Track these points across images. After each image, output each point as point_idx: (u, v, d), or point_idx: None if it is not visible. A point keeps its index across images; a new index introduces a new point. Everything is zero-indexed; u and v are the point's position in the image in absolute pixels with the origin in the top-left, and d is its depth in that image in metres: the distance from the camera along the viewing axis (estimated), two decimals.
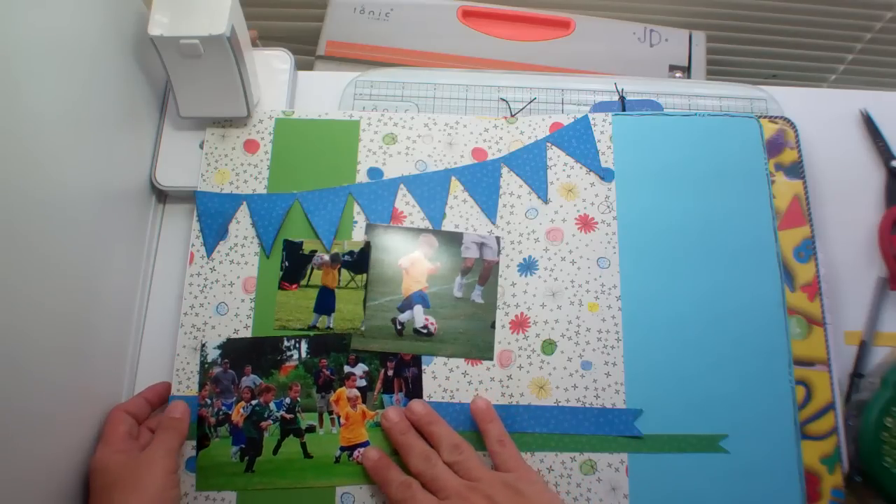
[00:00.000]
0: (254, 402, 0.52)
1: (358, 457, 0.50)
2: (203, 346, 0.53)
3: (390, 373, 0.52)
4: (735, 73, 1.03)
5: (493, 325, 0.53)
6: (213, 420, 0.51)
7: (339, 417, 0.52)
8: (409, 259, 0.55)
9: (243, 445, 0.51)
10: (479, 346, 0.53)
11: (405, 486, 0.47)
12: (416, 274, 0.55)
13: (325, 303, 0.54)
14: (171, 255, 0.58)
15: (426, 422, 0.50)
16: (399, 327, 0.53)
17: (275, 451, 0.51)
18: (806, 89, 0.67)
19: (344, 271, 0.54)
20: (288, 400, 0.52)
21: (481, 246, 0.55)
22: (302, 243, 0.55)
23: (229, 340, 0.53)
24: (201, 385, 0.52)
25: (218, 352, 0.53)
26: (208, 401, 0.51)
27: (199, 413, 0.51)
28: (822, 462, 0.51)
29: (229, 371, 0.52)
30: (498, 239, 0.55)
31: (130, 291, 0.55)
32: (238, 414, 0.51)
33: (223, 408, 0.51)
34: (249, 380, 0.52)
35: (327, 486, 0.50)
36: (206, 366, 0.52)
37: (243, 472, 0.50)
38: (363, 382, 0.52)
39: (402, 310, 0.54)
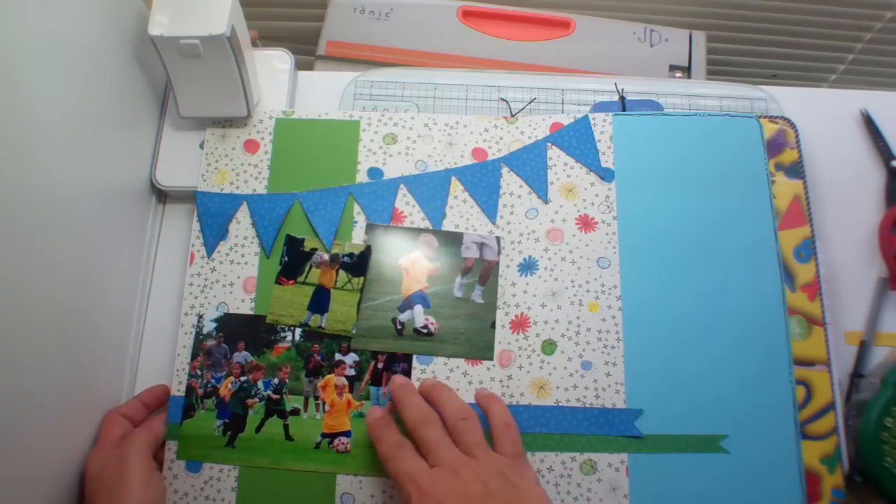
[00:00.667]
0: (242, 379, 0.52)
1: (338, 445, 0.51)
2: (200, 317, 0.53)
3: (380, 365, 0.52)
4: (735, 73, 1.03)
5: (493, 325, 0.53)
6: (200, 391, 0.52)
7: (324, 404, 0.52)
8: (409, 259, 0.55)
9: (227, 420, 0.51)
10: (479, 346, 0.53)
11: (397, 445, 0.45)
12: (416, 274, 0.55)
13: (320, 302, 0.54)
14: (171, 255, 0.58)
15: (435, 389, 0.48)
16: (399, 327, 0.53)
17: (257, 430, 0.51)
18: (806, 89, 0.67)
19: (342, 272, 0.55)
20: (276, 380, 0.52)
21: (481, 246, 0.55)
22: (303, 240, 0.55)
23: (226, 315, 0.53)
24: (193, 355, 0.52)
25: (214, 325, 0.53)
26: (199, 372, 0.52)
27: (189, 383, 0.52)
28: (822, 462, 0.51)
29: (223, 345, 0.53)
30: (498, 239, 0.55)
31: (130, 291, 0.55)
32: (226, 388, 0.52)
33: (212, 380, 0.52)
34: (241, 356, 0.53)
35: (308, 475, 0.50)
36: (201, 337, 0.53)
37: (224, 446, 0.51)
38: (352, 372, 0.52)
39: (402, 310, 0.54)
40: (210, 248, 0.55)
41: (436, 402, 0.48)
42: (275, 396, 0.52)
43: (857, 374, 0.55)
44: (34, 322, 0.41)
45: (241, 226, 0.56)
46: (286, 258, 0.55)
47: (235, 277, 0.54)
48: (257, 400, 0.52)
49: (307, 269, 0.55)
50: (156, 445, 0.49)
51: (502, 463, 0.44)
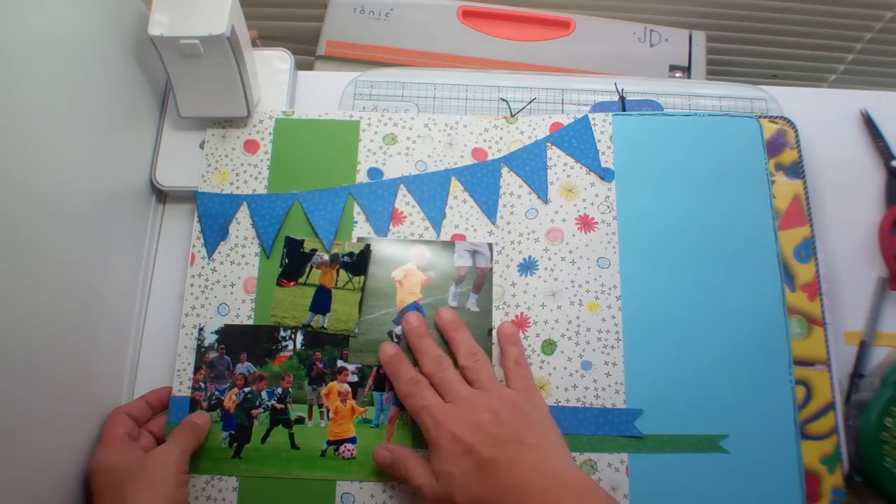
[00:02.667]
0: (246, 390, 0.52)
1: (344, 452, 0.51)
2: (200, 329, 0.53)
3: (382, 371, 0.52)
4: (735, 73, 1.03)
5: (489, 333, 0.53)
6: (205, 404, 0.52)
7: (328, 411, 0.52)
8: (402, 271, 0.55)
9: (233, 432, 0.51)
10: None
11: (413, 382, 0.48)
12: (409, 286, 0.54)
13: (322, 302, 0.54)
14: (172, 255, 0.58)
15: (451, 328, 0.52)
16: (395, 340, 0.53)
17: (263, 440, 0.51)
18: (806, 89, 0.67)
19: (342, 272, 0.54)
20: (280, 390, 0.52)
21: (474, 254, 0.55)
22: (303, 241, 0.55)
23: (227, 326, 0.53)
24: (196, 368, 0.52)
25: (215, 337, 0.53)
26: (202, 385, 0.52)
27: (192, 396, 0.52)
28: (822, 462, 0.51)
29: (225, 357, 0.53)
30: (490, 246, 0.55)
31: (130, 292, 0.55)
32: (230, 400, 0.52)
33: (216, 393, 0.52)
34: (244, 367, 0.52)
35: (312, 480, 0.50)
36: (203, 350, 0.53)
37: (231, 457, 0.50)
38: (355, 378, 0.52)
39: (397, 322, 0.53)
40: (210, 249, 0.55)
41: (450, 342, 0.51)
42: (279, 406, 0.52)
43: (857, 374, 0.55)
44: (34, 322, 0.41)
45: (242, 226, 0.56)
46: (286, 260, 0.55)
47: (236, 278, 0.54)
48: (262, 410, 0.52)
49: (308, 270, 0.55)
50: (199, 445, 0.50)
51: (513, 394, 0.48)
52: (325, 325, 0.53)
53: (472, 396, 0.47)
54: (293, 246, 0.55)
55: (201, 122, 0.59)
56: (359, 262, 0.55)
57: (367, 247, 0.55)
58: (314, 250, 0.55)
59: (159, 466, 0.45)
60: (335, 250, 0.55)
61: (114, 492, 0.45)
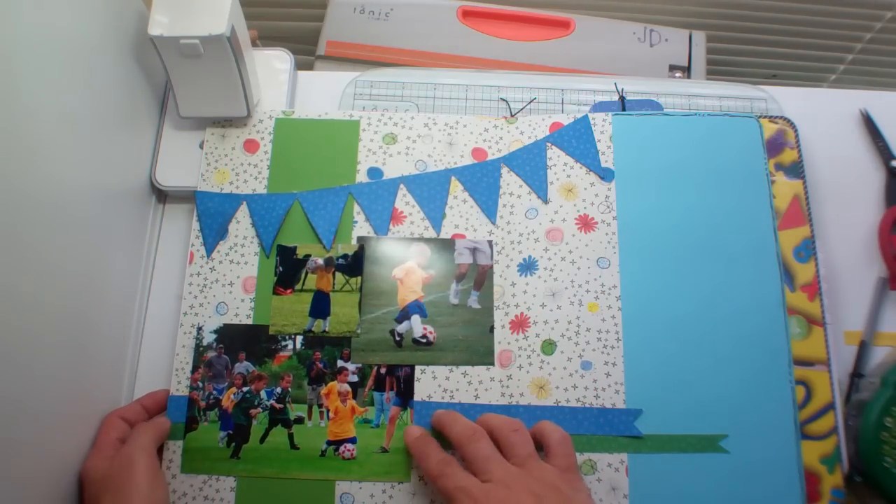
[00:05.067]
0: (245, 389, 0.52)
1: (344, 452, 0.50)
2: (199, 328, 0.53)
3: (383, 370, 0.52)
4: (735, 73, 1.03)
5: (491, 330, 0.53)
6: (203, 404, 0.51)
7: (328, 411, 0.52)
8: (403, 269, 0.55)
9: (231, 431, 0.51)
10: (479, 353, 0.52)
11: (446, 462, 0.45)
12: (410, 284, 0.54)
13: (320, 306, 0.54)
14: (171, 255, 0.58)
15: (480, 419, 0.48)
16: (398, 339, 0.53)
17: (262, 440, 0.51)
18: (806, 89, 0.67)
19: (338, 275, 0.54)
20: (279, 389, 0.52)
21: (474, 251, 0.55)
22: (295, 248, 0.55)
23: (226, 326, 0.53)
24: (194, 367, 0.52)
25: (213, 336, 0.53)
26: (200, 384, 0.52)
27: (190, 396, 0.51)
28: (822, 462, 0.51)
29: (223, 356, 0.52)
30: (491, 243, 0.55)
31: (130, 291, 0.55)
32: (228, 400, 0.52)
33: (214, 392, 0.52)
34: (242, 366, 0.52)
35: (311, 480, 0.50)
36: (201, 349, 0.52)
37: (229, 457, 0.50)
38: (355, 378, 0.52)
39: (399, 321, 0.53)
40: (210, 248, 0.55)
41: (481, 421, 0.48)
42: (278, 406, 0.52)
43: (856, 374, 0.55)
44: (33, 322, 0.41)
45: (241, 226, 0.56)
46: (280, 268, 0.54)
47: (235, 277, 0.54)
48: (260, 410, 0.52)
49: (303, 276, 0.54)
50: (160, 443, 0.49)
51: (555, 475, 0.44)
52: (327, 329, 0.53)
53: (511, 477, 0.43)
54: (286, 254, 0.55)
55: (201, 121, 0.59)
56: (354, 263, 0.55)
57: (361, 247, 0.55)
58: (308, 256, 0.55)
59: (126, 472, 0.44)
60: (329, 253, 0.55)
61: (98, 499, 0.44)
